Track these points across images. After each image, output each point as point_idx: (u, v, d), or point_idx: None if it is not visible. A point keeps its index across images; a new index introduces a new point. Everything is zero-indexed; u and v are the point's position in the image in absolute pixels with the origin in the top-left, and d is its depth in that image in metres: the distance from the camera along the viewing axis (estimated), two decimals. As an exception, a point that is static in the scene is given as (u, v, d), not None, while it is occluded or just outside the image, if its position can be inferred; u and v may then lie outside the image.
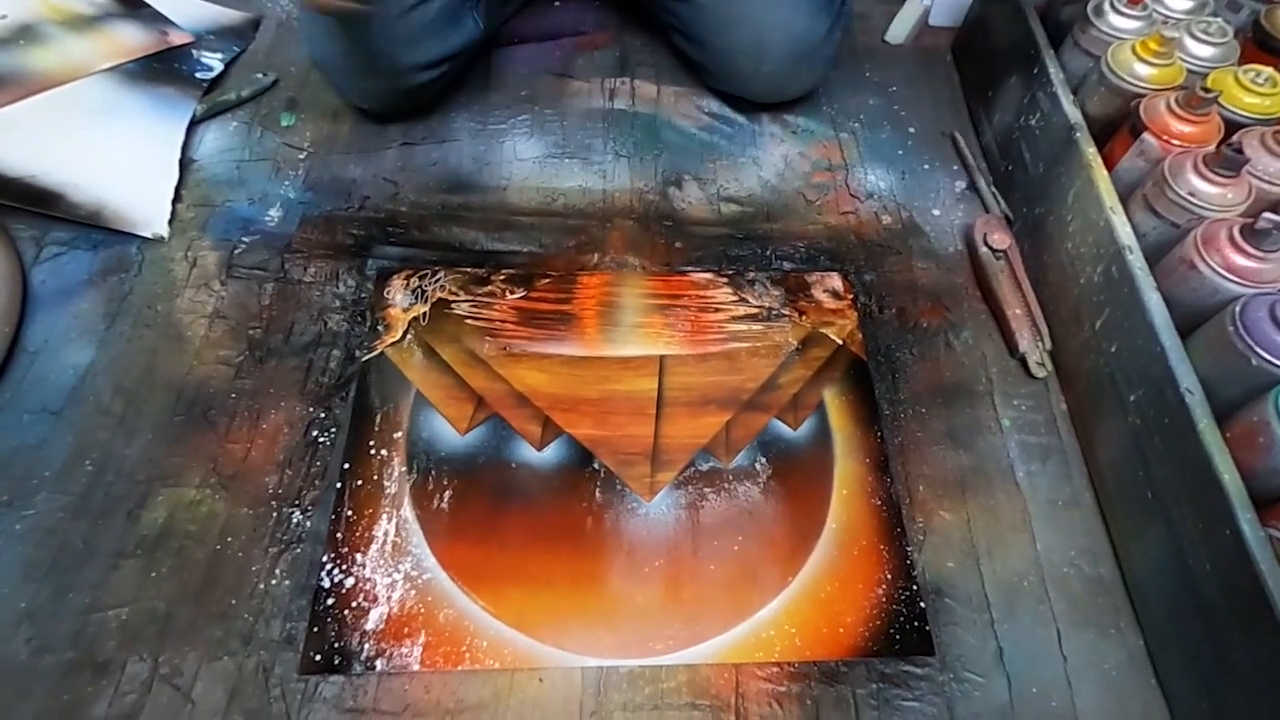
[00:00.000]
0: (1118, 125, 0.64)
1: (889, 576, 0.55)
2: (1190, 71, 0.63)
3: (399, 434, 0.59)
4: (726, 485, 0.58)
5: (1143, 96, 0.62)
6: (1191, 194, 0.55)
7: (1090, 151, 0.63)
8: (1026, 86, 0.72)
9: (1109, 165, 0.62)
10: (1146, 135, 0.59)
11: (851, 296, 0.70)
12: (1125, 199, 0.60)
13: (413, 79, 0.73)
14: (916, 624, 0.54)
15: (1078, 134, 0.64)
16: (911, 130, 0.83)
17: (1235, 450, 0.48)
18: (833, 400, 0.63)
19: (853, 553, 0.56)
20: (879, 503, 0.59)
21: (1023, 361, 0.66)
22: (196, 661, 0.50)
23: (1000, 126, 0.78)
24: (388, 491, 0.56)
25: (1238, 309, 0.49)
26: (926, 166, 0.80)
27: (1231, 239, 0.51)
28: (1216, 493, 0.47)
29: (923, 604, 0.54)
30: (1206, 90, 0.57)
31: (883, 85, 0.87)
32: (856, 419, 0.62)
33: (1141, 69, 0.63)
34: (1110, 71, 0.64)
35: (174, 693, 0.49)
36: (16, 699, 0.48)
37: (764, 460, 0.60)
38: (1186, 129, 0.58)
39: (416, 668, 0.50)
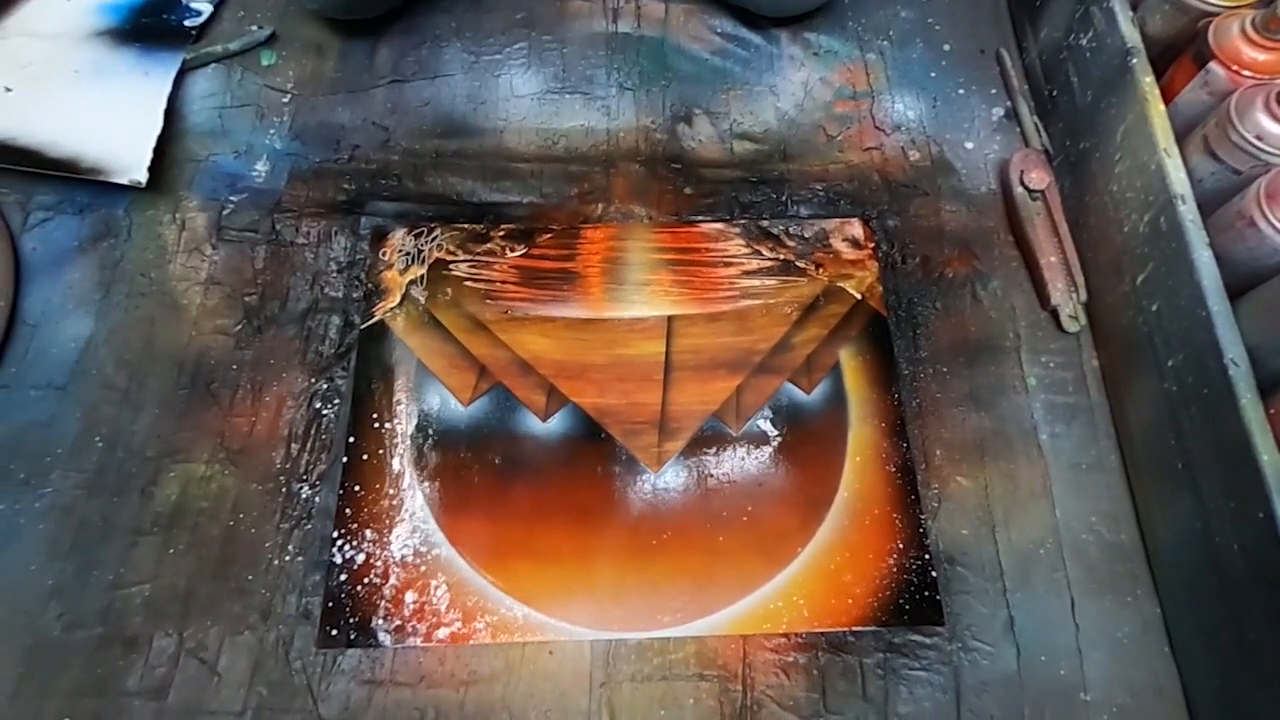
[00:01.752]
0: (1181, 50, 0.56)
1: (901, 545, 0.55)
2: (1273, -18, 0.55)
3: (402, 405, 0.58)
4: (736, 454, 0.57)
5: (1213, 16, 0.54)
6: (1260, 137, 0.49)
7: (1147, 81, 0.56)
8: (1080, -2, 0.64)
9: (1167, 97, 0.56)
10: (1213, 64, 0.52)
11: (873, 245, 0.65)
12: (1182, 138, 0.54)
13: None
14: (927, 593, 0.53)
15: (1134, 60, 0.57)
16: (946, 48, 0.75)
17: (1277, 427, 0.45)
18: (849, 361, 0.61)
19: (864, 522, 0.55)
20: (893, 469, 0.57)
21: (1054, 314, 0.62)
22: (219, 636, 0.51)
23: (1046, 44, 0.70)
24: (393, 466, 0.56)
25: (1298, 276, 0.45)
26: (961, 91, 0.73)
27: (1300, 194, 0.46)
28: (1253, 473, 0.44)
29: (934, 573, 0.54)
30: (1290, 10, 0.49)
31: (916, -7, 0.78)
32: (873, 381, 0.60)
33: (1215, -19, 0.55)
34: (1178, -17, 0.56)
35: (200, 666, 0.51)
36: (55, 673, 0.50)
37: (775, 427, 0.58)
38: (1261, 57, 0.51)
39: (430, 642, 0.51)
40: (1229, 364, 0.47)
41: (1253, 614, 0.45)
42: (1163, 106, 0.55)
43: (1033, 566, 0.55)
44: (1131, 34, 0.58)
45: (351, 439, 0.57)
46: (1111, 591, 0.54)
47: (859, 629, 0.52)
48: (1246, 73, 0.51)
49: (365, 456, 0.57)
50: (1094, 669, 0.52)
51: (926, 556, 0.54)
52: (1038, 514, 0.56)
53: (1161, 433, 0.53)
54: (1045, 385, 0.60)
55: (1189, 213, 0.51)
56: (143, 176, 0.64)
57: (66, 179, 0.65)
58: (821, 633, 0.52)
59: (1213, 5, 0.55)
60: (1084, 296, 0.62)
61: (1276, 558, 0.43)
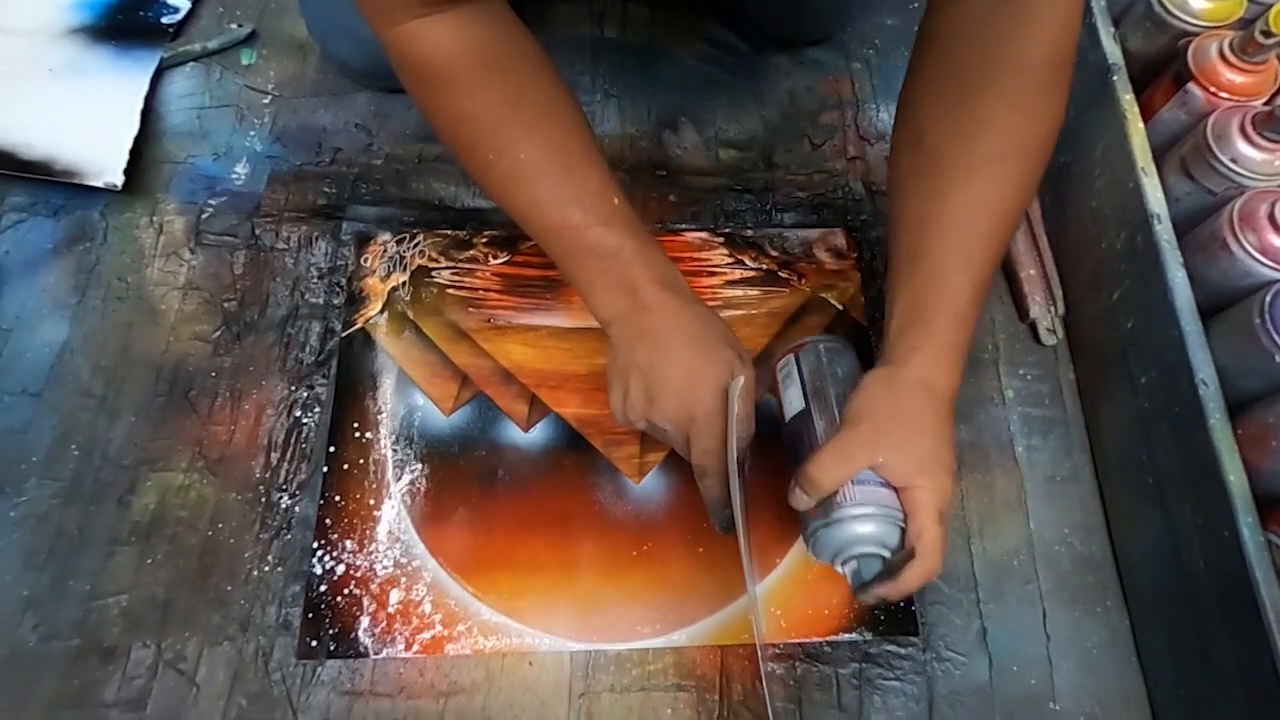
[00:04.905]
0: (1161, 69, 0.57)
1: (878, 557, 0.55)
2: (1253, 2, 0.55)
3: (383, 415, 0.58)
4: (716, 466, 0.57)
5: (1193, 36, 0.55)
6: (1235, 160, 0.50)
7: (1127, 98, 0.57)
8: (1063, 12, 0.64)
9: (1147, 115, 0.56)
10: (1191, 85, 0.53)
11: (855, 255, 0.66)
12: (1160, 156, 0.55)
13: None
14: (902, 604, 0.54)
15: (1114, 76, 0.57)
16: (932, 57, 0.75)
17: (1245, 447, 0.46)
18: (829, 372, 0.61)
19: (842, 533, 0.56)
20: (872, 481, 0.58)
21: (1033, 327, 0.63)
22: (198, 647, 0.51)
23: (1030, 56, 0.70)
24: (373, 476, 0.56)
25: (1268, 299, 0.45)
26: (945, 101, 0.73)
27: (1273, 218, 0.47)
28: (1219, 492, 0.45)
29: (910, 584, 0.55)
30: (1267, 34, 0.50)
31: (903, 0, 0.78)
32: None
33: (1195, 1, 0.55)
34: (1158, 1, 0.56)
35: (179, 677, 0.51)
36: (30, 685, 0.50)
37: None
38: (1239, 79, 0.52)
39: (410, 652, 0.51)
40: (1199, 383, 0.47)
41: (1217, 628, 0.47)
42: (1141, 125, 0.55)
43: (1006, 577, 0.56)
44: (1113, 50, 0.58)
45: (332, 448, 0.57)
46: (1082, 603, 0.55)
47: (835, 639, 0.53)
48: (1224, 94, 0.52)
49: (346, 466, 0.56)
50: (1064, 679, 0.53)
51: (903, 568, 0.55)
52: (1012, 525, 0.57)
53: (1133, 448, 0.54)
54: (1022, 397, 0.61)
55: (1165, 232, 0.52)
56: (118, 179, 0.64)
57: (41, 181, 0.64)
58: (798, 643, 0.53)
59: (1193, 25, 0.55)
60: (1062, 310, 0.62)
61: (1240, 574, 0.44)
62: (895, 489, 0.42)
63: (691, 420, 0.45)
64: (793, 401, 0.49)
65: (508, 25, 0.46)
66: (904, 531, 0.42)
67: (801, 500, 0.43)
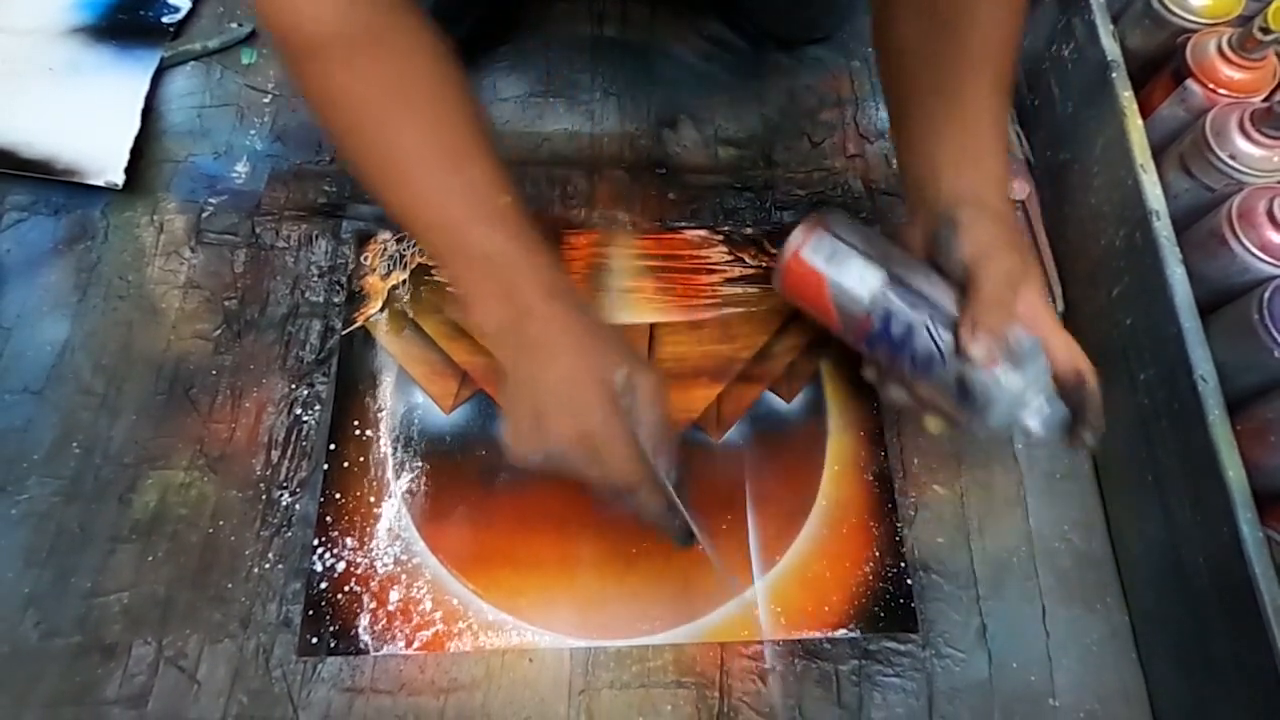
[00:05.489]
0: (1161, 65, 0.57)
1: (877, 554, 0.55)
2: (1252, -1, 0.56)
3: (383, 413, 0.58)
4: (715, 463, 0.57)
5: (1192, 32, 0.55)
6: (1233, 156, 0.50)
7: (1126, 95, 0.57)
8: (1061, 9, 0.64)
9: (1146, 111, 0.56)
10: (1190, 82, 0.53)
11: (855, 253, 0.66)
12: (1159, 152, 0.55)
13: None
14: (902, 601, 0.54)
15: (1113, 73, 0.57)
16: (931, 54, 0.75)
17: (1244, 443, 0.46)
18: (829, 370, 0.61)
19: (842, 530, 0.56)
20: (871, 478, 0.58)
21: (1032, 325, 0.63)
22: (199, 644, 0.52)
23: (1029, 53, 0.70)
24: (374, 473, 0.56)
25: (1267, 295, 0.45)
26: (945, 98, 0.73)
27: (1271, 214, 0.47)
28: (1219, 489, 0.46)
29: (910, 581, 0.55)
30: (1266, 30, 0.50)
31: (902, -2, 0.78)
32: (852, 389, 0.60)
33: (1194, -3, 0.55)
34: (1157, -2, 0.56)
35: (180, 674, 0.51)
36: (32, 682, 0.50)
37: (754, 436, 0.58)
38: (1238, 76, 0.52)
39: (410, 649, 0.51)
40: (1198, 380, 0.47)
41: (1216, 625, 0.47)
42: (1140, 121, 0.55)
43: (1006, 574, 0.56)
44: (1112, 47, 0.58)
45: (332, 446, 0.57)
46: (1082, 600, 0.55)
47: (835, 636, 0.53)
48: (1223, 91, 0.52)
49: (346, 464, 0.57)
50: (1063, 675, 0.53)
51: (902, 564, 0.55)
52: (1012, 522, 0.57)
53: (1133, 445, 0.54)
54: (1022, 395, 0.61)
55: (1164, 229, 0.52)
56: (119, 178, 0.64)
57: (41, 179, 0.64)
58: (798, 640, 0.53)
59: (1192, 22, 0.55)
60: (1061, 307, 0.62)
61: (1240, 571, 0.44)
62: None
63: (587, 434, 0.40)
64: (863, 277, 0.45)
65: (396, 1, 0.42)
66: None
67: (984, 352, 0.41)
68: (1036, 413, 0.41)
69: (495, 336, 0.42)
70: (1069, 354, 0.42)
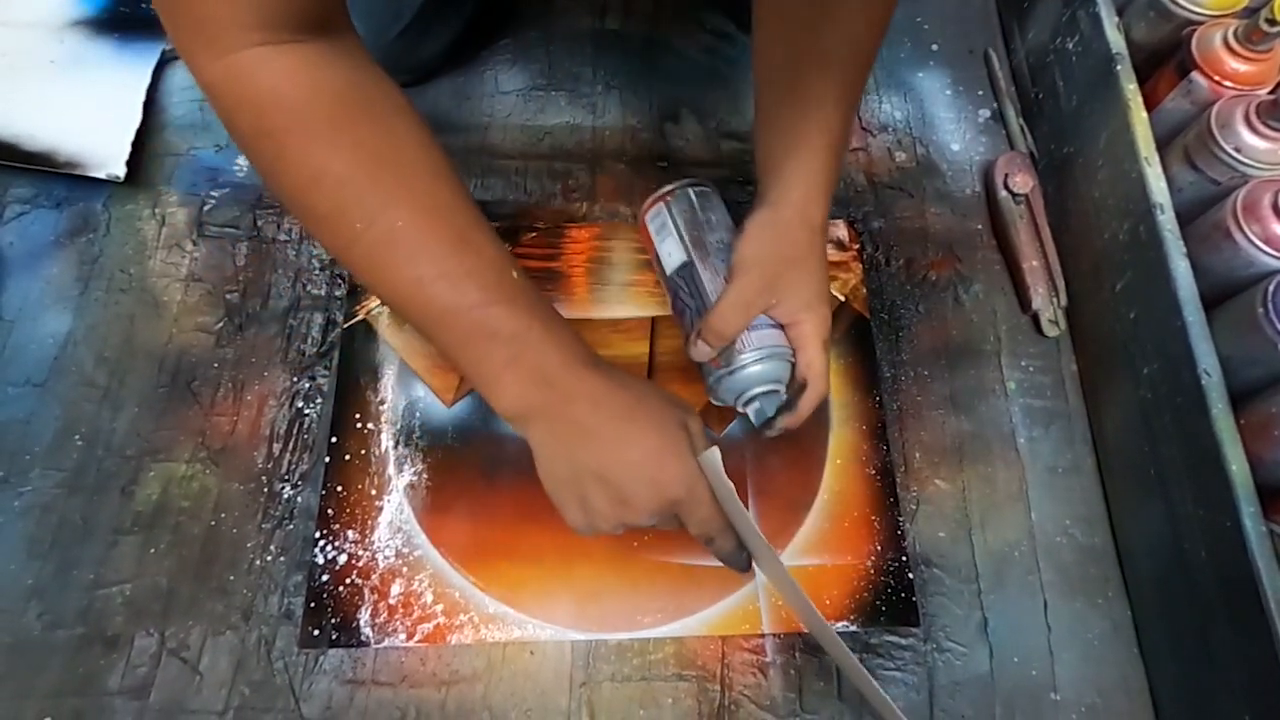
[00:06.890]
0: (1165, 58, 0.56)
1: (879, 548, 0.55)
2: (1257, -10, 0.55)
3: (384, 406, 0.58)
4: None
5: (1197, 25, 0.54)
6: (1238, 149, 0.49)
7: (1130, 88, 0.56)
8: (1066, 2, 0.64)
9: (1150, 104, 0.56)
10: (1195, 74, 0.52)
11: (857, 247, 0.66)
12: (1164, 145, 0.55)
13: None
14: (903, 595, 0.54)
15: (1118, 66, 0.57)
16: (934, 47, 0.75)
17: (1247, 437, 0.46)
18: (831, 364, 0.60)
19: (844, 524, 0.56)
20: (873, 472, 0.58)
21: (1035, 319, 0.63)
22: (201, 635, 0.52)
23: (1034, 46, 0.70)
24: (375, 466, 0.56)
25: (1271, 288, 0.45)
26: (948, 92, 0.73)
27: (1276, 207, 0.46)
28: (1222, 482, 0.45)
29: (911, 575, 0.55)
30: (1271, 22, 0.49)
31: (904, -8, 0.78)
32: (855, 384, 0.60)
33: (1199, -11, 0.55)
34: (1163, -10, 0.56)
35: (182, 665, 0.51)
36: (35, 673, 0.50)
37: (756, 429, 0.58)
38: (1243, 68, 0.51)
39: (411, 641, 0.51)
40: (1202, 374, 0.47)
41: (1218, 619, 0.46)
42: (1145, 114, 0.55)
43: (1008, 569, 0.56)
44: (1117, 40, 0.58)
45: (334, 439, 0.57)
46: (1084, 594, 0.55)
47: (836, 629, 0.53)
48: (1228, 83, 0.52)
49: (347, 456, 0.57)
50: (1065, 669, 0.53)
51: (904, 558, 0.55)
52: (1014, 517, 0.57)
53: (1136, 439, 0.54)
54: (1024, 389, 0.61)
55: (1168, 222, 0.51)
56: (121, 170, 0.64)
57: (43, 172, 0.64)
58: (799, 633, 0.53)
59: (1197, 14, 0.55)
60: (1064, 301, 0.62)
61: (1243, 565, 0.44)
62: (782, 326, 0.47)
63: (676, 502, 0.40)
64: (671, 253, 0.51)
65: (366, 65, 0.39)
66: (794, 366, 0.47)
67: (704, 351, 0.46)
68: (754, 411, 0.47)
69: (531, 422, 0.40)
70: (806, 370, 0.46)
